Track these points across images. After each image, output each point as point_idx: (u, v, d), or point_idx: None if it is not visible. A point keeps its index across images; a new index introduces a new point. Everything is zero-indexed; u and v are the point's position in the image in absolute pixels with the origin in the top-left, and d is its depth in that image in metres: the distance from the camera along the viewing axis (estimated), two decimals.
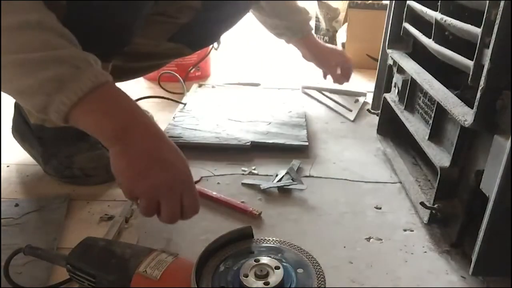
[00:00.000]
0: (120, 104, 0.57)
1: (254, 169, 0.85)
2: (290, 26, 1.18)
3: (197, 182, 0.80)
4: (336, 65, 1.23)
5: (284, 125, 1.02)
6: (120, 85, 1.16)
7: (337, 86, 1.29)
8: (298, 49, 1.25)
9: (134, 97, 1.02)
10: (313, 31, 1.23)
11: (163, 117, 1.12)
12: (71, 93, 0.53)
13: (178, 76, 1.31)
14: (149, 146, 0.56)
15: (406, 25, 0.85)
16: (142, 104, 1.12)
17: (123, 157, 0.56)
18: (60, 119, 0.55)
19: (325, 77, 1.29)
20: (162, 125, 1.03)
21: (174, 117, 1.05)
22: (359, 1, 1.59)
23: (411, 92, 0.82)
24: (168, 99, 1.17)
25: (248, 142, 0.92)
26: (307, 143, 0.94)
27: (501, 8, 0.48)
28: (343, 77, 1.24)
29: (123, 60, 1.03)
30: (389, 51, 0.92)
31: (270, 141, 0.93)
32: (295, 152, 0.92)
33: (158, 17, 0.87)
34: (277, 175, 0.82)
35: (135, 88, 1.36)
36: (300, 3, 1.20)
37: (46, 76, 0.52)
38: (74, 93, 0.53)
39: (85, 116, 0.55)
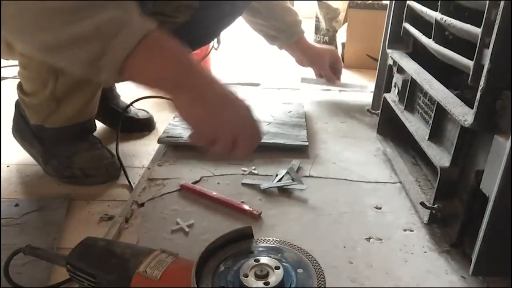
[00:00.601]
0: (173, 49, 0.55)
1: (254, 169, 0.85)
2: (284, 28, 1.18)
3: (197, 182, 0.80)
4: (330, 65, 1.25)
5: (284, 125, 1.02)
6: (120, 85, 1.16)
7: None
8: (292, 54, 1.25)
9: (134, 97, 1.03)
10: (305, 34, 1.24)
11: (163, 117, 1.13)
12: (128, 38, 0.49)
13: None
14: (216, 90, 0.56)
15: (406, 25, 0.85)
16: (142, 104, 1.12)
17: (198, 104, 0.55)
18: (114, 71, 0.51)
19: (317, 76, 1.30)
20: (162, 125, 1.04)
21: (174, 117, 1.05)
22: (359, 1, 1.59)
23: (411, 92, 0.82)
24: (168, 99, 1.16)
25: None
26: (307, 143, 0.94)
27: (501, 8, 0.48)
28: (335, 77, 1.26)
29: None
30: (389, 51, 0.92)
31: (270, 141, 0.93)
32: (295, 152, 0.92)
33: (156, 17, 0.87)
34: (277, 175, 0.82)
35: (135, 88, 1.36)
36: (287, 3, 1.21)
37: (103, 19, 0.48)
38: (131, 38, 0.50)
39: (143, 63, 0.52)
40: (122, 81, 0.53)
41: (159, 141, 0.93)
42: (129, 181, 0.83)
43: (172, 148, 0.93)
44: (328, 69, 1.25)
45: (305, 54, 1.23)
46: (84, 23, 0.48)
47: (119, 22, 0.50)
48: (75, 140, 0.85)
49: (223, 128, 0.57)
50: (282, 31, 1.18)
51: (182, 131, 0.97)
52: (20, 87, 0.82)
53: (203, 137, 0.59)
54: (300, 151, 0.92)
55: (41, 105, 0.80)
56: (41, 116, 0.82)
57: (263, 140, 0.93)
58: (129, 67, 0.51)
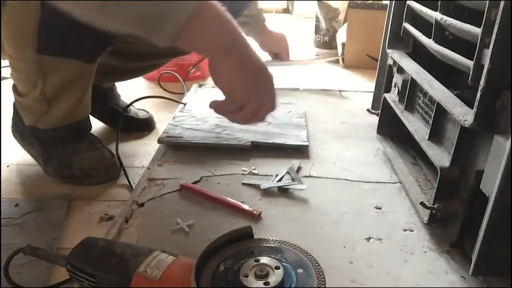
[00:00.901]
0: (227, 19, 0.58)
1: (254, 169, 0.85)
2: (253, 15, 1.28)
3: (197, 182, 0.80)
4: (285, 46, 1.40)
5: (284, 125, 1.02)
6: (120, 84, 1.17)
7: None
8: (258, 39, 1.36)
9: (134, 97, 1.03)
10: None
11: (163, 117, 1.13)
12: (190, 3, 0.52)
13: (178, 76, 1.32)
14: (256, 61, 0.63)
15: (406, 25, 0.85)
16: (142, 104, 1.12)
17: (240, 72, 0.61)
18: (172, 34, 0.53)
19: (273, 58, 1.42)
20: (162, 125, 1.04)
21: (174, 117, 1.05)
22: (359, 1, 1.59)
23: (411, 92, 0.82)
24: (168, 99, 1.17)
25: (248, 142, 0.92)
26: (307, 143, 0.94)
27: (501, 8, 0.48)
28: (288, 55, 1.42)
29: (122, 60, 1.03)
30: (389, 51, 0.92)
31: (270, 141, 0.93)
32: (295, 152, 0.92)
33: None
34: (277, 175, 0.82)
35: (135, 88, 1.36)
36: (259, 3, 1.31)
37: None
38: (192, 4, 0.52)
39: (201, 29, 0.55)
40: (171, 44, 0.55)
41: (159, 141, 0.93)
42: (129, 181, 0.83)
43: (172, 148, 0.93)
44: (285, 48, 1.40)
45: (271, 38, 1.37)
46: None
47: None
48: (74, 140, 0.85)
49: (254, 97, 0.64)
50: (251, 17, 1.27)
51: (182, 131, 0.97)
52: (14, 88, 0.82)
53: (234, 103, 0.65)
54: (300, 151, 0.92)
55: (33, 106, 0.80)
56: (34, 117, 0.82)
57: (263, 140, 0.94)
58: (187, 31, 0.53)
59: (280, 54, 1.41)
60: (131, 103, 1.03)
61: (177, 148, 0.92)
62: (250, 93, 0.64)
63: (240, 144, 0.92)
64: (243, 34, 0.61)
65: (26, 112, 0.83)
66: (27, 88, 0.79)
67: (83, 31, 0.72)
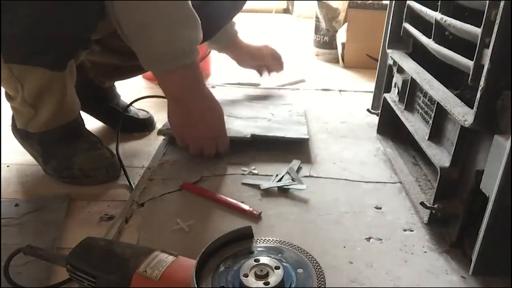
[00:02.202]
0: (193, 79, 0.81)
1: (254, 169, 0.85)
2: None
3: (197, 182, 0.80)
4: (271, 56, 1.28)
5: (284, 122, 1.02)
6: (120, 84, 1.16)
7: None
8: (232, 55, 1.26)
9: (134, 97, 1.03)
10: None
11: (163, 117, 1.12)
12: (194, 56, 0.78)
13: None
14: (199, 113, 0.83)
15: (406, 25, 0.85)
16: (142, 104, 1.12)
17: (180, 116, 0.84)
18: (153, 72, 0.81)
19: (261, 74, 1.31)
20: (161, 125, 1.03)
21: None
22: (359, 1, 1.59)
23: (411, 92, 0.82)
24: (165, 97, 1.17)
25: (248, 135, 0.92)
26: (307, 137, 0.94)
27: (501, 8, 0.48)
28: (279, 65, 1.29)
29: (123, 59, 1.03)
30: (389, 51, 0.92)
31: (271, 134, 0.93)
32: (295, 150, 0.92)
33: None
34: (277, 175, 0.82)
35: (135, 88, 1.36)
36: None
37: (197, 35, 0.78)
38: (194, 57, 0.78)
39: (173, 75, 0.79)
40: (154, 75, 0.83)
41: (159, 133, 0.95)
42: (129, 181, 0.83)
43: (172, 148, 0.93)
44: (270, 59, 1.27)
45: (246, 51, 1.25)
46: (190, 32, 0.77)
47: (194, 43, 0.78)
48: (74, 140, 0.85)
49: (192, 140, 0.86)
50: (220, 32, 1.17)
51: None
52: (5, 91, 0.82)
53: (178, 139, 0.88)
54: (300, 150, 0.92)
55: (21, 110, 0.81)
56: (24, 120, 0.82)
57: (263, 133, 0.94)
58: (173, 74, 0.79)
59: (267, 66, 1.29)
60: (131, 103, 1.03)
61: (177, 148, 0.92)
62: (185, 136, 0.87)
63: (240, 137, 0.92)
64: (200, 91, 0.82)
65: (17, 115, 0.83)
66: (12, 92, 0.79)
67: (45, 41, 0.73)
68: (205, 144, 0.86)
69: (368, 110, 1.06)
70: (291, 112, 1.10)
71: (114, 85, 1.12)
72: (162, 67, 0.78)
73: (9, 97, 0.81)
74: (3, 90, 0.83)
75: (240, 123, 1.00)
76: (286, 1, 3.12)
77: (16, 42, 0.73)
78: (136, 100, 1.03)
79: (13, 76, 0.76)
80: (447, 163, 0.63)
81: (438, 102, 0.66)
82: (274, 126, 0.98)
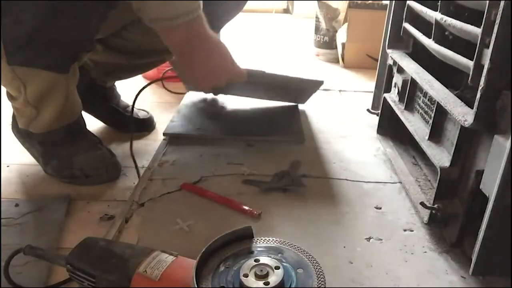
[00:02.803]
0: (199, 32, 0.78)
1: (254, 169, 0.85)
2: None
3: (197, 182, 0.80)
4: None
5: (284, 121, 1.03)
6: (121, 83, 1.16)
7: None
8: None
9: (133, 97, 1.03)
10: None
11: (164, 118, 1.13)
12: (196, 11, 0.75)
13: None
14: (205, 53, 0.81)
15: (406, 25, 0.85)
16: (143, 105, 1.12)
17: (188, 67, 0.83)
18: (160, 26, 0.76)
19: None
20: (162, 126, 1.04)
21: (174, 116, 1.05)
22: (359, 1, 1.59)
23: (411, 92, 0.82)
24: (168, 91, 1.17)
25: (247, 133, 0.95)
26: (303, 138, 0.96)
27: (501, 8, 0.48)
28: None
29: (126, 58, 1.03)
30: (389, 51, 0.92)
31: (269, 137, 0.96)
32: (295, 150, 0.92)
33: None
34: (277, 175, 0.82)
35: (136, 88, 1.36)
36: None
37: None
38: (196, 11, 0.74)
39: (178, 31, 0.76)
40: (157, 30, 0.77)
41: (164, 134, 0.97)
42: (138, 174, 0.83)
43: (172, 148, 0.93)
44: None
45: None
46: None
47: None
48: (75, 140, 0.85)
49: (200, 75, 0.85)
50: None
51: (182, 126, 0.99)
52: (7, 91, 0.82)
53: (185, 80, 0.97)
54: (300, 149, 0.93)
55: (23, 110, 0.81)
56: (26, 121, 0.82)
57: (261, 135, 0.95)
58: (178, 29, 0.75)
59: None
60: (133, 103, 1.03)
61: (177, 148, 0.92)
62: (200, 82, 0.87)
63: (240, 137, 0.95)
64: (207, 39, 0.79)
65: (18, 115, 0.83)
66: (15, 93, 0.79)
67: (48, 43, 0.73)
68: (214, 78, 0.84)
69: (368, 110, 1.06)
70: (291, 111, 1.12)
71: (114, 85, 1.12)
72: (164, 24, 0.75)
73: (10, 97, 0.81)
74: (4, 90, 0.83)
75: (239, 122, 1.02)
76: (286, 1, 3.12)
77: (19, 44, 0.73)
78: (137, 95, 1.04)
79: (16, 77, 0.76)
80: (447, 163, 0.63)
81: (438, 102, 0.66)
82: (272, 127, 1.01)
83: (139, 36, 1.01)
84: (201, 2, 0.76)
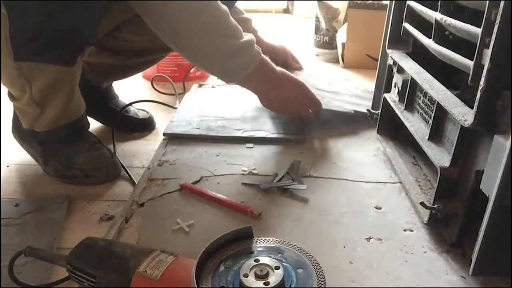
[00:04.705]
0: (268, 71, 0.92)
1: (254, 169, 0.85)
2: (241, 19, 1.20)
3: (197, 182, 0.80)
4: (289, 57, 1.32)
5: (284, 121, 1.03)
6: (119, 83, 1.16)
7: None
8: None
9: (132, 97, 1.03)
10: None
11: (163, 118, 1.13)
12: (252, 61, 0.87)
13: (169, 79, 1.33)
14: (283, 90, 0.96)
15: (406, 25, 0.85)
16: (142, 105, 1.12)
17: (272, 100, 0.98)
18: (237, 79, 0.90)
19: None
20: (162, 126, 1.04)
21: (174, 116, 1.05)
22: (359, 1, 1.59)
23: (411, 92, 0.82)
24: (159, 103, 1.18)
25: (246, 132, 0.95)
26: (304, 137, 0.97)
27: (501, 8, 0.47)
28: (298, 64, 1.34)
29: (120, 58, 1.03)
30: (389, 51, 0.92)
31: (270, 135, 0.96)
32: (295, 149, 0.92)
33: None
34: (277, 175, 0.82)
35: (134, 88, 1.37)
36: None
37: (245, 41, 0.85)
38: (253, 62, 0.87)
39: (253, 77, 0.89)
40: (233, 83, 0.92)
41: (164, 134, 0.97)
42: (130, 177, 0.83)
43: (172, 148, 0.93)
44: (289, 58, 1.32)
45: (265, 49, 1.22)
46: (237, 41, 0.83)
47: (250, 48, 0.86)
48: (74, 140, 0.85)
49: (288, 111, 1.00)
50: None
51: (182, 127, 0.99)
52: (9, 92, 0.82)
53: (281, 114, 1.03)
54: (299, 148, 0.93)
55: (27, 110, 0.81)
56: (30, 120, 0.82)
57: (263, 135, 0.96)
58: (244, 78, 0.88)
59: (286, 61, 1.30)
60: (130, 103, 1.03)
61: (177, 148, 0.92)
62: (283, 109, 1.00)
63: (240, 136, 0.96)
64: (274, 73, 0.93)
65: (22, 115, 0.83)
66: (18, 92, 0.79)
67: (53, 36, 0.73)
68: (299, 110, 0.99)
69: (368, 110, 1.06)
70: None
71: (112, 86, 1.12)
72: (235, 78, 0.89)
73: (12, 98, 0.81)
74: (4, 90, 0.83)
75: (239, 123, 1.03)
76: (286, 1, 3.12)
77: (25, 40, 0.73)
78: (130, 104, 1.04)
79: (22, 75, 0.76)
80: (447, 163, 0.63)
81: (438, 102, 0.66)
82: (274, 126, 1.01)
83: (132, 35, 1.01)
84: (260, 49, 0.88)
